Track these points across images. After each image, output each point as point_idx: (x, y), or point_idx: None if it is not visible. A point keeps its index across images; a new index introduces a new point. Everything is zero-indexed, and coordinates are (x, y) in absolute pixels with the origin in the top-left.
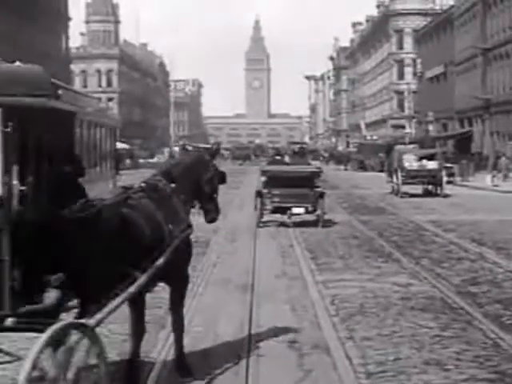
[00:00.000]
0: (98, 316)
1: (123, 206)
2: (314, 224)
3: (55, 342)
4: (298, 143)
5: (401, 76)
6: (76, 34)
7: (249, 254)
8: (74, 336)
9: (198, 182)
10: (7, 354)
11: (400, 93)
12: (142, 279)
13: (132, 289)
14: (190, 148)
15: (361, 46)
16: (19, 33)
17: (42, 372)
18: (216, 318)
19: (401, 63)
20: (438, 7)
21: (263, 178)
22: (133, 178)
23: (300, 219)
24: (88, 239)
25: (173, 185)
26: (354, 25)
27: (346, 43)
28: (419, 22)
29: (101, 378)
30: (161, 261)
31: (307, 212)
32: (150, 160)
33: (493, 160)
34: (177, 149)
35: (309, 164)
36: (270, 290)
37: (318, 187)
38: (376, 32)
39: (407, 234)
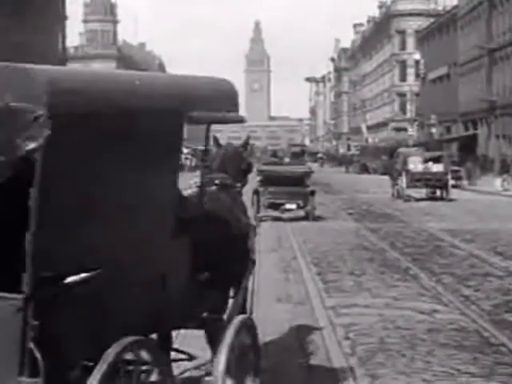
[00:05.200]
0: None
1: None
2: (305, 219)
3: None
4: (298, 146)
5: (403, 77)
6: (74, 34)
7: None
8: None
9: (239, 173)
10: (181, 352)
11: (402, 95)
12: (248, 274)
13: (248, 283)
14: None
15: (362, 47)
16: (14, 32)
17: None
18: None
19: (403, 64)
20: (440, 8)
21: (259, 177)
22: None
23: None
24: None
25: (238, 184)
26: (355, 26)
27: (347, 44)
28: (421, 23)
29: (256, 357)
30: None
31: (299, 207)
32: None
33: (499, 163)
34: None
35: (303, 164)
36: (271, 318)
37: (308, 186)
38: (378, 33)
39: (421, 244)
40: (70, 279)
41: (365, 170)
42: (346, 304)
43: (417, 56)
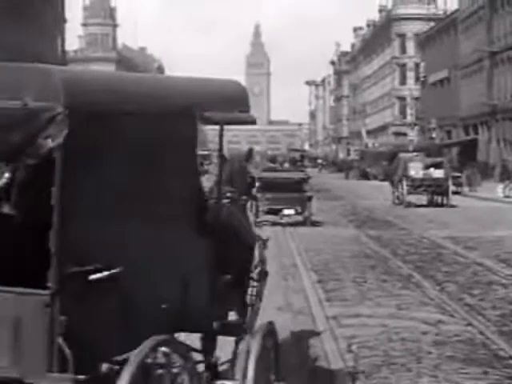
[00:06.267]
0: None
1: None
2: (303, 224)
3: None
4: (298, 150)
5: (403, 81)
6: (73, 37)
7: None
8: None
9: (244, 187)
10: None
11: (402, 99)
12: (263, 284)
13: (264, 290)
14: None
15: (362, 50)
16: (13, 35)
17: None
18: None
19: (403, 68)
20: (440, 12)
21: (257, 184)
22: None
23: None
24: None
25: (244, 197)
26: (355, 29)
27: (347, 48)
28: (421, 27)
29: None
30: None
31: (297, 213)
32: None
33: (500, 169)
34: None
35: (302, 171)
36: None
37: (306, 191)
38: (378, 36)
39: (424, 251)
40: (93, 276)
41: (365, 175)
42: (348, 314)
43: (417, 59)
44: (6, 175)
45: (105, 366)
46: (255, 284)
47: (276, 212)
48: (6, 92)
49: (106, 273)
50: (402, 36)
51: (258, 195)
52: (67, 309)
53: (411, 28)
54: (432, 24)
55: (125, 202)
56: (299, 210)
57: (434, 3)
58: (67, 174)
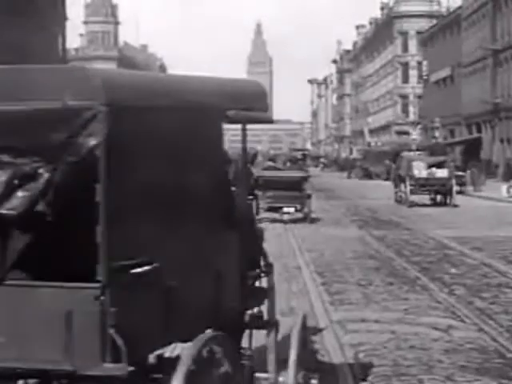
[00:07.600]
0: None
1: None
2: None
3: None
4: (299, 150)
5: (405, 80)
6: (75, 35)
7: None
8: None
9: (248, 187)
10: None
11: (404, 97)
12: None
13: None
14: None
15: (364, 48)
16: (13, 33)
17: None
18: None
19: (405, 66)
20: (443, 9)
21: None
22: None
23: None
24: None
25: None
26: (358, 27)
27: (349, 46)
28: (424, 24)
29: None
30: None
31: (296, 211)
32: None
33: (504, 168)
34: None
35: (304, 170)
36: None
37: (305, 190)
38: (380, 34)
39: (430, 252)
40: (137, 270)
41: (367, 175)
42: (354, 318)
43: (419, 58)
44: (46, 175)
45: (152, 358)
46: (263, 276)
47: (276, 209)
48: (47, 93)
49: (148, 267)
50: (405, 34)
51: (259, 193)
52: (116, 301)
53: (413, 26)
54: (434, 21)
55: (163, 198)
56: (299, 207)
57: (437, 0)
58: (109, 171)
